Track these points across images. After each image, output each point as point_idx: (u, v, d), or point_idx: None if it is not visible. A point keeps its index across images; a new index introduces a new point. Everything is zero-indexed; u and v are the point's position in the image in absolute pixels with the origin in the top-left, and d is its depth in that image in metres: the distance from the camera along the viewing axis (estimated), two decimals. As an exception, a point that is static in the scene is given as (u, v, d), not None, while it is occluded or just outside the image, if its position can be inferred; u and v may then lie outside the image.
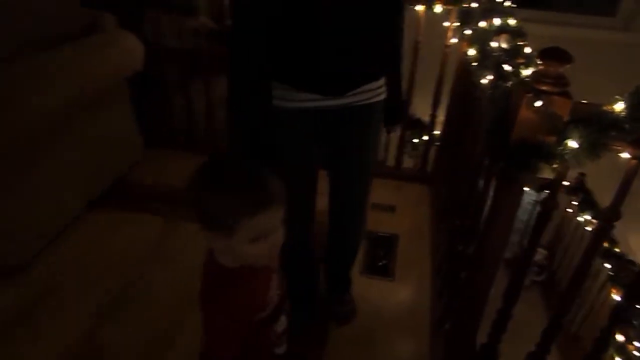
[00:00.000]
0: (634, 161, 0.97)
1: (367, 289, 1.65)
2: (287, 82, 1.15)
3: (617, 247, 2.92)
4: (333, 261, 1.68)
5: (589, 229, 3.04)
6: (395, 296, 1.89)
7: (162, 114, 2.77)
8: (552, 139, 0.94)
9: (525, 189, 3.48)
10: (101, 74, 2.12)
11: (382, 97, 1.28)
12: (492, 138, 1.07)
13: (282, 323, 1.01)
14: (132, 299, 1.81)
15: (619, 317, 1.24)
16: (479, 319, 1.31)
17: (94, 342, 1.63)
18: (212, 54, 2.58)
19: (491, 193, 1.26)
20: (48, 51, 1.92)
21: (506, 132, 1.00)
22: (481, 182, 1.50)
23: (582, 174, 3.37)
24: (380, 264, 2.00)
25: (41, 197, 1.92)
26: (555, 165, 0.98)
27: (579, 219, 3.27)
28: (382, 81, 1.26)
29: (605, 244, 3.01)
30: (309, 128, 1.24)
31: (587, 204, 3.08)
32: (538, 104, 0.91)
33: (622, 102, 0.93)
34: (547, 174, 1.11)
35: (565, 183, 3.54)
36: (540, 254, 3.82)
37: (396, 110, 1.44)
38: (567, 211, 3.57)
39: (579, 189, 3.35)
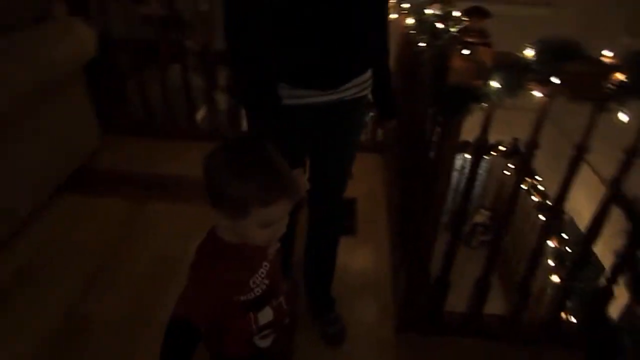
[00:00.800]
0: (544, 98, 1.19)
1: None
2: (283, 80, 1.19)
3: (549, 201, 3.27)
4: (314, 256, 1.67)
5: (524, 187, 3.38)
6: (359, 250, 2.08)
7: (118, 101, 2.81)
8: (480, 82, 1.14)
9: (466, 156, 3.78)
10: (56, 62, 2.14)
11: (368, 90, 1.35)
12: (432, 88, 1.26)
13: (266, 314, 0.99)
14: (110, 275, 1.88)
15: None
16: (431, 250, 1.51)
17: (78, 316, 1.70)
18: (165, 42, 2.65)
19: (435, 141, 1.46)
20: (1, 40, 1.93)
21: (443, 80, 1.19)
22: (427, 138, 1.70)
23: (516, 139, 3.72)
24: (344, 224, 2.18)
25: (6, 183, 1.94)
26: (484, 105, 1.18)
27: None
28: (368, 74, 1.30)
29: (539, 198, 3.36)
30: (303, 124, 1.28)
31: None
32: (466, 52, 1.10)
33: (532, 50, 1.14)
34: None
35: (502, 148, 3.87)
36: (483, 215, 4.17)
37: (391, 104, 1.46)
38: (504, 173, 3.93)
39: (515, 152, 3.69)
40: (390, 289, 1.88)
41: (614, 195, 1.34)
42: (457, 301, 1.75)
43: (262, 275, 0.97)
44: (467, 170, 1.40)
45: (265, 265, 0.98)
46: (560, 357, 1.56)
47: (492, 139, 1.41)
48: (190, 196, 2.39)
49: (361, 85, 1.29)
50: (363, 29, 1.19)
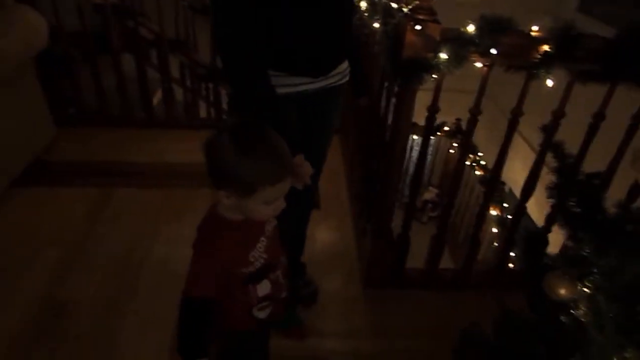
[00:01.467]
0: (484, 67, 1.37)
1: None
2: (277, 69, 1.24)
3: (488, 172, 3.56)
4: (289, 229, 1.65)
5: (467, 163, 3.66)
6: (324, 222, 2.22)
7: (71, 92, 2.77)
8: (430, 54, 1.30)
9: (414, 137, 4.01)
10: (5, 52, 2.10)
11: (347, 78, 1.45)
12: (388, 61, 1.41)
13: (265, 287, 1.07)
14: (84, 260, 1.91)
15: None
16: (391, 210, 1.67)
17: (56, 301, 1.72)
18: (117, 31, 2.64)
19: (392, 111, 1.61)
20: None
21: (398, 54, 1.34)
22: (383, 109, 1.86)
23: (459, 119, 4.00)
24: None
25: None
26: (434, 75, 1.34)
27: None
28: (347, 62, 1.40)
29: (481, 172, 3.65)
30: (295, 111, 1.33)
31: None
32: (418, 27, 1.26)
33: (473, 25, 1.31)
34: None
35: (446, 128, 4.14)
36: (432, 192, 4.45)
37: (364, 82, 1.60)
38: (450, 152, 4.21)
39: (457, 131, 3.96)
40: (355, 254, 2.03)
41: (546, 141, 1.54)
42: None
43: (261, 250, 1.05)
44: (414, 152, 1.56)
45: (263, 241, 1.05)
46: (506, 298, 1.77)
47: (436, 120, 1.59)
48: (155, 182, 2.43)
49: (343, 73, 1.38)
50: (349, 18, 1.30)
